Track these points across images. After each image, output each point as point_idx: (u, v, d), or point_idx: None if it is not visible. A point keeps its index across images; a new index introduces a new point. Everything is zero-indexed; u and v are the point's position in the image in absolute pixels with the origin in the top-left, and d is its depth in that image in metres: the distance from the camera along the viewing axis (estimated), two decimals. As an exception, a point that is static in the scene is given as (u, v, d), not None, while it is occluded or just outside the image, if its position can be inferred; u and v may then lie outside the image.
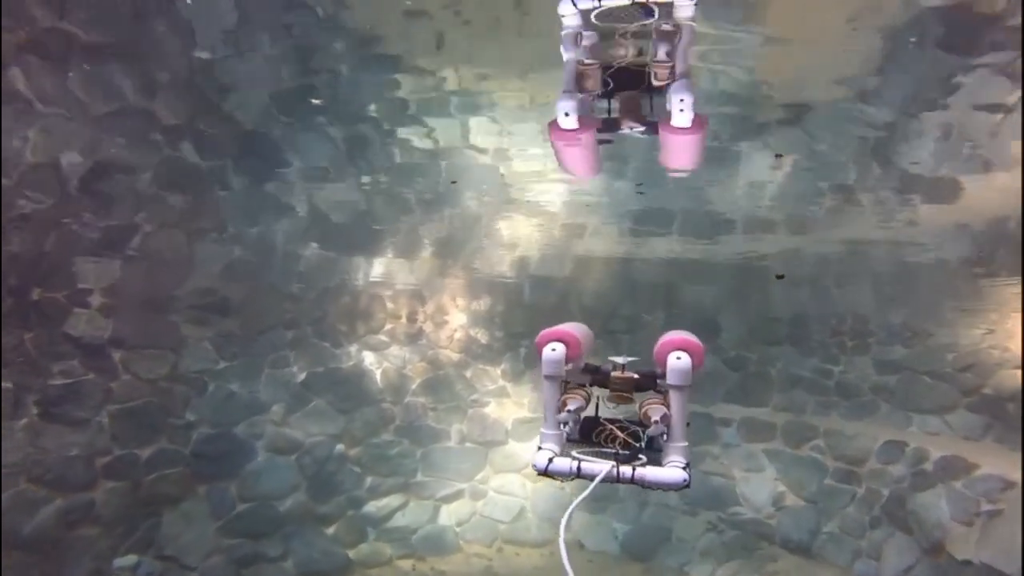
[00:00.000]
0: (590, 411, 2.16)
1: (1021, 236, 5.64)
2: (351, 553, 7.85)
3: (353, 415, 8.29)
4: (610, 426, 2.06)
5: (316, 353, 8.14)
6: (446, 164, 6.24)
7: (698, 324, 8.70)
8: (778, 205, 6.59)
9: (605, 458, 1.97)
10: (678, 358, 2.02)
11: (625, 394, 2.17)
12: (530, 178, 6.48)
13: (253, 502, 7.40)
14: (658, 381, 2.16)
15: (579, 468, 1.94)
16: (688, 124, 2.22)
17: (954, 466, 6.41)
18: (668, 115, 2.25)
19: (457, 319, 9.19)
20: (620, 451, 1.99)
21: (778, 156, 5.63)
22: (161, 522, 6.67)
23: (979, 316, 7.66)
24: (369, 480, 8.27)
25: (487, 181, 6.54)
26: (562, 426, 2.05)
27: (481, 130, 5.63)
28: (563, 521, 1.73)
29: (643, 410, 2.09)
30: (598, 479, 1.89)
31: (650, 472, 1.92)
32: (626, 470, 1.91)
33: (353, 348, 8.48)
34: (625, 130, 2.43)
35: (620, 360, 2.23)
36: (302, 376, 7.99)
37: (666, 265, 8.37)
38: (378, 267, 8.27)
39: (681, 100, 2.17)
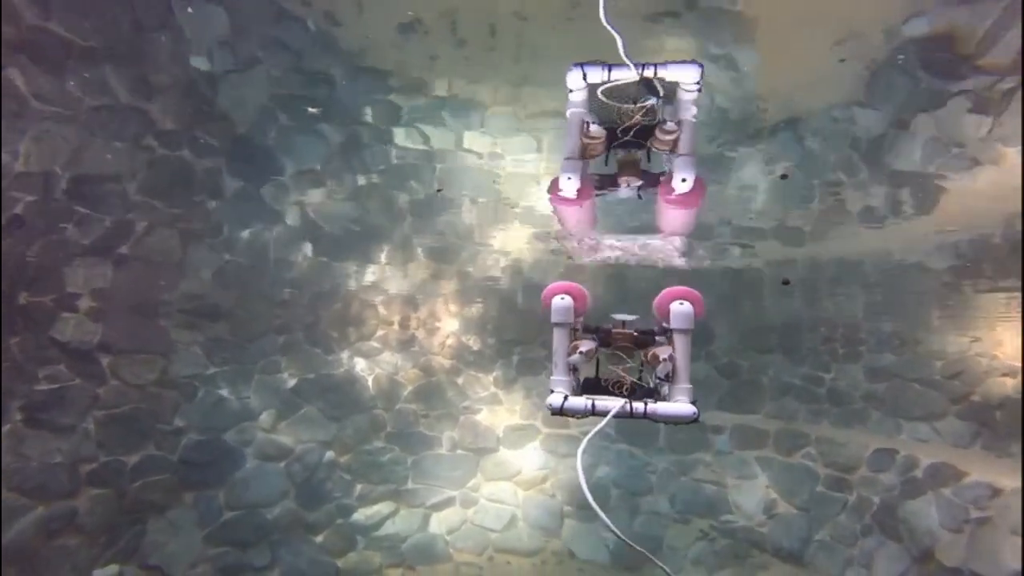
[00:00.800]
0: (591, 372, 2.27)
1: (1021, 240, 5.67)
2: (340, 562, 7.74)
3: (344, 422, 8.22)
4: (617, 371, 2.17)
5: (307, 359, 8.08)
6: (439, 168, 6.27)
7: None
8: (769, 212, 6.66)
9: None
10: (680, 304, 2.19)
11: (628, 346, 2.29)
12: (524, 184, 6.51)
13: (241, 510, 7.30)
14: (656, 338, 2.30)
15: (594, 405, 2.03)
16: (688, 191, 2.28)
17: (943, 473, 6.45)
18: (668, 182, 2.31)
19: (449, 325, 9.17)
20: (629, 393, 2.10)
21: (783, 177, 5.71)
22: (146, 530, 6.56)
23: (966, 324, 7.75)
24: (359, 487, 8.19)
25: (480, 186, 6.57)
26: (571, 371, 2.14)
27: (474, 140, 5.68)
28: (580, 450, 1.84)
29: (650, 352, 2.21)
30: (612, 412, 1.99)
31: (661, 407, 2.02)
32: (638, 405, 2.01)
33: (345, 354, 8.42)
34: (623, 188, 2.48)
35: (621, 317, 2.37)
36: (293, 382, 7.93)
37: (659, 271, 8.41)
38: (370, 272, 8.25)
39: (683, 180, 2.25)
